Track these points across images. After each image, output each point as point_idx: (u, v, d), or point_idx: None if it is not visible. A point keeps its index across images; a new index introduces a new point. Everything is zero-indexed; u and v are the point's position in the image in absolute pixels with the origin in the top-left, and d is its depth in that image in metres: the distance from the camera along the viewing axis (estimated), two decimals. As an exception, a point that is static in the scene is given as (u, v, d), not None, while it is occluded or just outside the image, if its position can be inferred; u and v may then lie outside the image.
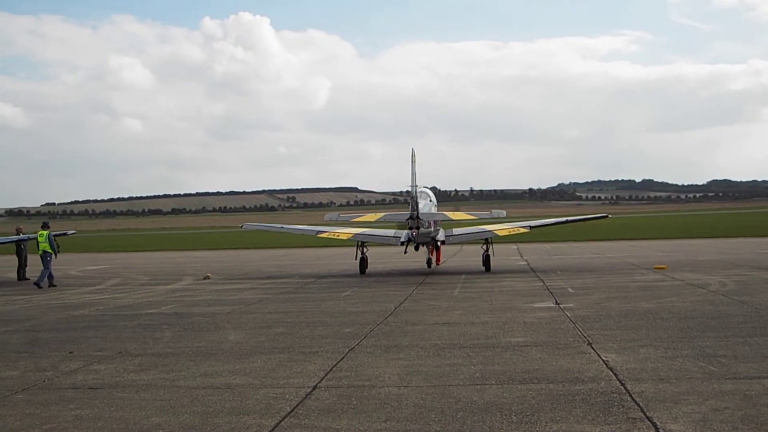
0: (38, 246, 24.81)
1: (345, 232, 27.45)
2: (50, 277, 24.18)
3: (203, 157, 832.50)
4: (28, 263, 28.03)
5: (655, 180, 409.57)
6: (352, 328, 12.58)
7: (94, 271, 32.58)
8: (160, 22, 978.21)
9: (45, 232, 24.90)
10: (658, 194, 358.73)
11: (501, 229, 27.20)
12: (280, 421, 6.89)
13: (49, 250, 24.45)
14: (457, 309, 14.87)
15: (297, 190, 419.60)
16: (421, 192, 24.57)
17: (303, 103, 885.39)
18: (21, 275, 27.52)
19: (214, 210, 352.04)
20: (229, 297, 19.03)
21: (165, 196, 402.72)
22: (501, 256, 31.12)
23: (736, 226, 66.49)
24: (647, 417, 6.60)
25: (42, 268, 24.25)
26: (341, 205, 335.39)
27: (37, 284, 23.81)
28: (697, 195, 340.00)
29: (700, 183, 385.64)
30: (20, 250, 27.98)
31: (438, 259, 28.51)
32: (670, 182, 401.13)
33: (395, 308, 15.28)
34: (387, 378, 8.54)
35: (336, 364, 9.41)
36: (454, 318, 13.53)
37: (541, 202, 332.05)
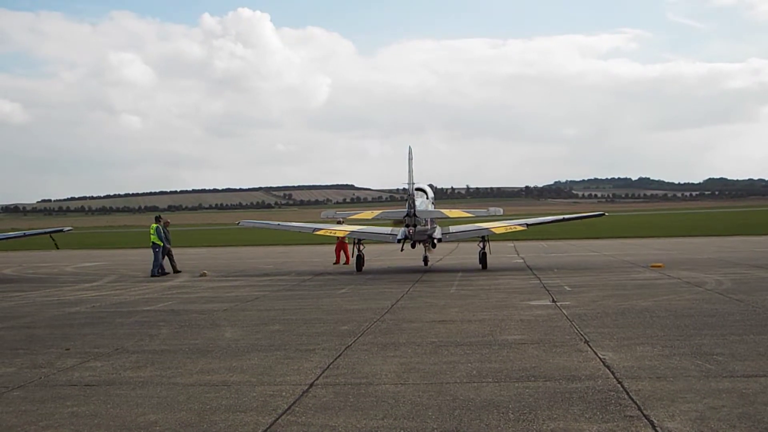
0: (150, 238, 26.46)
1: (342, 229, 27.47)
2: (157, 265, 25.88)
3: (201, 154, 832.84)
4: (171, 255, 27.42)
5: (651, 178, 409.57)
6: (349, 325, 12.57)
7: (90, 267, 32.50)
8: (160, 19, 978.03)
9: (155, 225, 26.28)
10: (654, 192, 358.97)
11: (498, 226, 27.22)
12: (277, 419, 6.88)
13: (159, 243, 25.98)
14: (454, 306, 14.87)
15: (294, 187, 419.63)
16: (418, 190, 24.57)
17: (301, 101, 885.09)
18: (173, 267, 27.25)
19: (211, 207, 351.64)
20: (225, 294, 19.01)
21: (161, 192, 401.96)
22: (498, 253, 31.16)
23: (733, 224, 66.61)
24: (644, 415, 6.60)
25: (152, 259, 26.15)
26: (338, 203, 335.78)
27: (154, 273, 25.61)
28: (694, 193, 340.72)
29: (696, 181, 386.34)
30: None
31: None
32: (666, 180, 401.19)
33: (392, 306, 15.28)
34: (384, 375, 8.53)
35: (333, 362, 9.40)
36: (451, 315, 13.53)
37: (537, 200, 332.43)
